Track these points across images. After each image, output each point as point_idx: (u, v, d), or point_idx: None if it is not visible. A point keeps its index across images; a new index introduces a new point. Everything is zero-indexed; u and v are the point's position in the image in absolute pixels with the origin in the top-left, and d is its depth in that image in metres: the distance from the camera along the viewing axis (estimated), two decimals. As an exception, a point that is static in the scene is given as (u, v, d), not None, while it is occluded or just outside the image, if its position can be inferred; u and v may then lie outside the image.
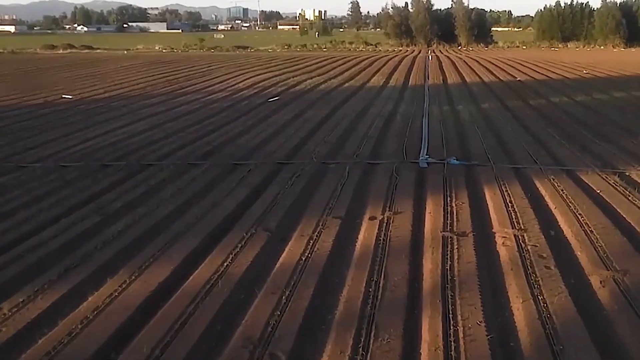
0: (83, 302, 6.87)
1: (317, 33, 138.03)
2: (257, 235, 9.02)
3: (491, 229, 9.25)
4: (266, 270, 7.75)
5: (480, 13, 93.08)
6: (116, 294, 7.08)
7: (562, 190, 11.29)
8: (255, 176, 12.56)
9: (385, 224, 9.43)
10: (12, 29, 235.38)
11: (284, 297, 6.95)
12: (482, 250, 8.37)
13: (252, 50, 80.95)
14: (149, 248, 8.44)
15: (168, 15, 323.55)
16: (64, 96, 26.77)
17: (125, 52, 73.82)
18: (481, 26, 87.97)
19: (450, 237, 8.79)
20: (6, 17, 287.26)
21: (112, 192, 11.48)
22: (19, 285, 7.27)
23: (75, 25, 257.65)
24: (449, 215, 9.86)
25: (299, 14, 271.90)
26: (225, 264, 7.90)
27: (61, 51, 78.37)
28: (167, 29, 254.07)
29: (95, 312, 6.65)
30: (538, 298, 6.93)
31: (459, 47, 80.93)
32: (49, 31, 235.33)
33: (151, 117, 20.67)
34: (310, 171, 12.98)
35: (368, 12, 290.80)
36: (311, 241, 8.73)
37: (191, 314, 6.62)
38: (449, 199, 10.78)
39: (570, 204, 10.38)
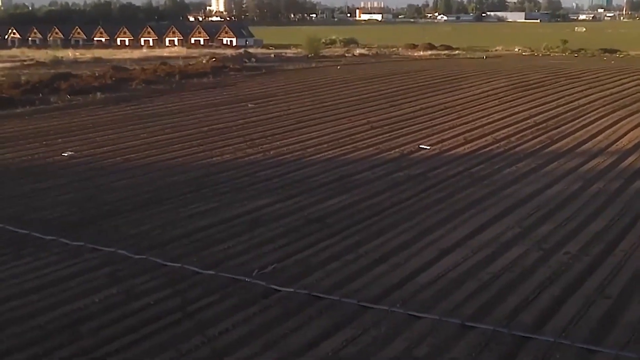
0: None
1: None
2: None
3: None
4: None
5: None
6: None
7: None
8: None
9: None
10: (379, 17, 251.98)
11: None
12: None
13: (621, 54, 72.10)
14: None
15: (527, 4, 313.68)
16: (421, 146, 24.52)
17: (485, 57, 70.78)
18: None
19: None
20: (375, 4, 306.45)
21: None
22: None
23: (436, 14, 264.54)
24: None
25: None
26: None
27: (421, 52, 78.74)
28: (525, 19, 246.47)
29: None
30: None
31: None
32: (412, 20, 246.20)
33: (519, 208, 16.77)
34: None
35: None
36: None
37: None
38: None
39: None
